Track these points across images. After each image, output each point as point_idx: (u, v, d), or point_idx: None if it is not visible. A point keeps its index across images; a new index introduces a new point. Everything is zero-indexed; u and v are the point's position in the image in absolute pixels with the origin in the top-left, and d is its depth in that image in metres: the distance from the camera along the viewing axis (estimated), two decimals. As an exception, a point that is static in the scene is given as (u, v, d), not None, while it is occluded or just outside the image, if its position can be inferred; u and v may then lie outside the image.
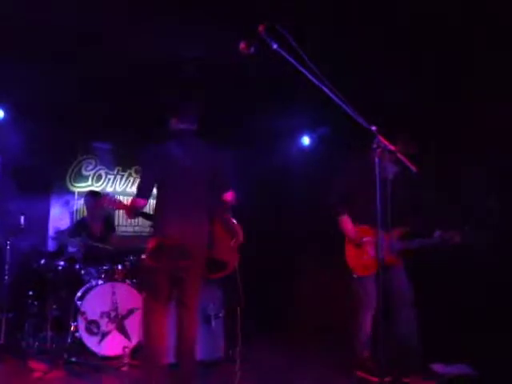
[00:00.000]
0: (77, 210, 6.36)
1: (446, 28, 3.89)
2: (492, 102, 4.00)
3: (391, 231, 3.60)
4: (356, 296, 3.86)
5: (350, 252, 3.90)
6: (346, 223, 3.89)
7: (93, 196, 5.44)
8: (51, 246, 5.85)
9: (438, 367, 3.75)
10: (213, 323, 4.21)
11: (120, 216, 6.54)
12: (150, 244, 3.27)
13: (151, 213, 3.69)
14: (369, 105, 2.50)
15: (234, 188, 3.50)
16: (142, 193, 3.30)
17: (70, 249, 5.07)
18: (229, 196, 3.48)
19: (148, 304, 3.33)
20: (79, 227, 5.38)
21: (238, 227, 3.68)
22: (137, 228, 6.70)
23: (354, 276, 3.80)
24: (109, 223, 5.58)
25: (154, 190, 3.37)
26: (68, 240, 5.14)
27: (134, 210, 3.44)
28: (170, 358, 3.41)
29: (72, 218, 6.24)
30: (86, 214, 5.69)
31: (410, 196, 3.78)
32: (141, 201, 3.29)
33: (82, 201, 6.17)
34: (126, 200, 6.66)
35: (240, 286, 3.87)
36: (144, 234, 6.56)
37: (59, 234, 5.50)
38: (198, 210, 3.33)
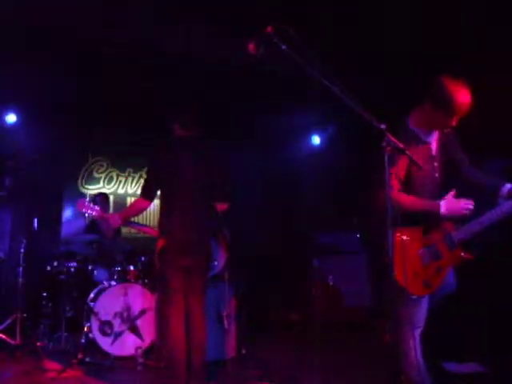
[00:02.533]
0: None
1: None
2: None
3: (440, 226, 2.77)
4: (403, 317, 2.77)
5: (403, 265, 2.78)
6: None
7: (102, 196, 5.52)
8: (63, 247, 5.90)
9: (450, 366, 3.74)
10: (225, 323, 4.23)
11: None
12: (159, 244, 3.36)
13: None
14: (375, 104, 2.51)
15: (230, 201, 3.62)
16: (149, 194, 3.39)
17: (84, 249, 5.10)
18: (223, 206, 3.60)
19: (164, 305, 3.38)
20: (91, 228, 5.43)
21: (226, 230, 3.85)
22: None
23: (413, 297, 2.72)
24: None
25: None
26: (79, 243, 5.19)
27: (135, 212, 3.54)
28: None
29: (83, 220, 6.29)
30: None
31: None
32: (146, 202, 3.40)
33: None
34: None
35: (230, 284, 4.00)
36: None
37: (69, 239, 5.58)
38: (201, 211, 3.43)
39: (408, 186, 2.72)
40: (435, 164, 2.81)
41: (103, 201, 5.48)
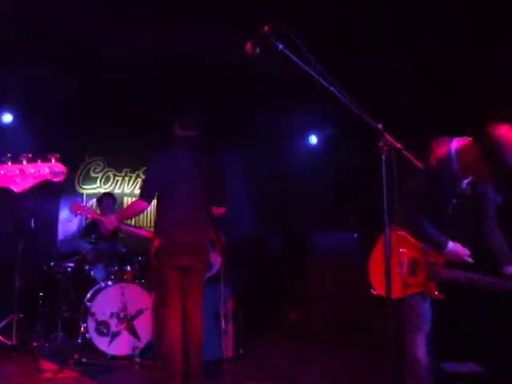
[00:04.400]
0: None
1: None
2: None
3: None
4: (405, 319, 2.82)
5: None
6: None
7: (110, 197, 5.50)
8: (60, 248, 5.88)
9: (448, 366, 3.74)
10: (222, 322, 4.22)
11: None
12: (155, 243, 3.34)
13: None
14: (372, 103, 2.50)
15: (227, 205, 3.60)
16: (147, 196, 3.36)
17: (82, 248, 5.08)
18: (220, 210, 3.58)
19: (160, 305, 3.37)
20: (89, 228, 5.42)
21: (222, 233, 3.80)
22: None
23: (373, 291, 2.82)
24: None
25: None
26: (76, 243, 5.17)
27: (133, 214, 3.52)
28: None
29: (81, 220, 6.27)
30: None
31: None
32: (145, 203, 3.36)
33: (93, 202, 6.21)
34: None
35: (227, 284, 4.01)
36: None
37: (67, 240, 5.56)
38: (199, 212, 3.42)
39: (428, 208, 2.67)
40: (454, 200, 2.71)
41: (109, 202, 5.44)
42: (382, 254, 2.48)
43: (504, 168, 2.37)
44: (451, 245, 2.61)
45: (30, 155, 1.88)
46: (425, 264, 2.70)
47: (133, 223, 6.38)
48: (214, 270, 3.98)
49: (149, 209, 3.51)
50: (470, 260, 2.61)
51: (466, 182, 2.66)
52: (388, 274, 2.12)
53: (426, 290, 2.71)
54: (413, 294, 2.71)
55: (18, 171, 1.89)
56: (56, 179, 2.00)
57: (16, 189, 1.92)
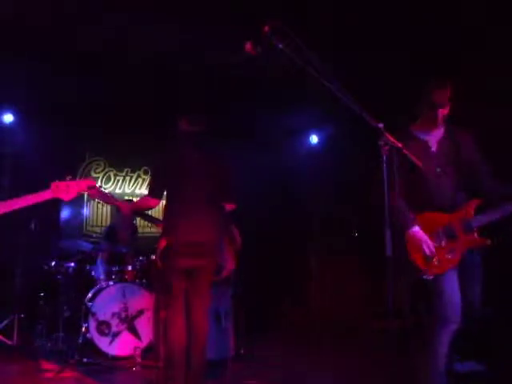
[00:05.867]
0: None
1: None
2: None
3: (458, 210, 2.79)
4: (434, 310, 2.73)
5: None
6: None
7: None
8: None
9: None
10: (223, 322, 4.22)
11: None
12: (161, 243, 3.31)
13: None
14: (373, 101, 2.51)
15: (236, 201, 3.56)
16: (155, 193, 3.35)
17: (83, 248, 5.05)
18: (230, 206, 3.54)
19: (163, 305, 3.35)
20: (110, 233, 5.38)
21: (237, 233, 3.71)
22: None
23: (428, 277, 2.73)
24: (135, 228, 5.58)
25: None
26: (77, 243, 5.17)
27: (142, 209, 3.51)
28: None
29: (82, 219, 6.27)
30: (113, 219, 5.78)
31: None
32: (153, 200, 3.34)
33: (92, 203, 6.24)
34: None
35: (229, 284, 3.96)
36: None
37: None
38: (208, 211, 3.36)
39: (415, 186, 2.75)
40: (438, 161, 2.84)
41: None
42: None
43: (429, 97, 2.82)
44: (416, 228, 2.71)
45: (71, 176, 2.74)
46: (458, 222, 2.75)
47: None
48: (225, 271, 3.81)
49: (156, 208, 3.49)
50: (426, 251, 2.69)
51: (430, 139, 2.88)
52: (390, 270, 2.08)
53: (471, 245, 2.76)
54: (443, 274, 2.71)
55: (65, 186, 2.68)
56: (91, 191, 2.94)
57: (65, 198, 2.69)
